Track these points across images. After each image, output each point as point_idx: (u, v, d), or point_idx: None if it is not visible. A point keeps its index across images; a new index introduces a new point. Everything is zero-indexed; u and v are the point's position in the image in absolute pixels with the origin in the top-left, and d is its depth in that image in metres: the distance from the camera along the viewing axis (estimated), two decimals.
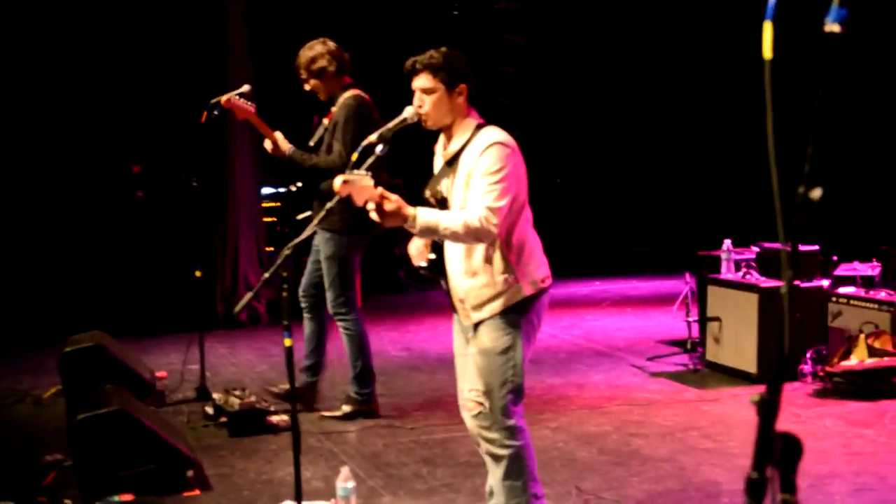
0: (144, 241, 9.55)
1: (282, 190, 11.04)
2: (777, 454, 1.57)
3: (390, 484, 4.91)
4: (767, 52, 1.51)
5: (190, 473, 4.87)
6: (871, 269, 7.07)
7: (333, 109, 5.90)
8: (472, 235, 3.60)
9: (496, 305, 3.74)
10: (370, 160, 3.89)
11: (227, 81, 8.29)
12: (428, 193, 3.92)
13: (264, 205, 10.47)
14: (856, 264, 7.00)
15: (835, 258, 7.05)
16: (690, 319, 7.24)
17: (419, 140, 4.17)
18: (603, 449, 5.34)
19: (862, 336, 6.17)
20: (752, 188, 11.16)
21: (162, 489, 4.75)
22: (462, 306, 3.84)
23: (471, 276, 3.77)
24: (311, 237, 5.82)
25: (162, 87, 9.35)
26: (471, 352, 3.83)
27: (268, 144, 6.00)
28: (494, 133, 3.73)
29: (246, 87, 6.36)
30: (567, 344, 8.18)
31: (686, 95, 12.13)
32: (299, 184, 6.18)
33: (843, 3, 1.46)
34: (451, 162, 3.81)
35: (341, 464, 5.15)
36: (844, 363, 6.13)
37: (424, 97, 3.80)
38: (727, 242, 7.03)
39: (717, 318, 6.84)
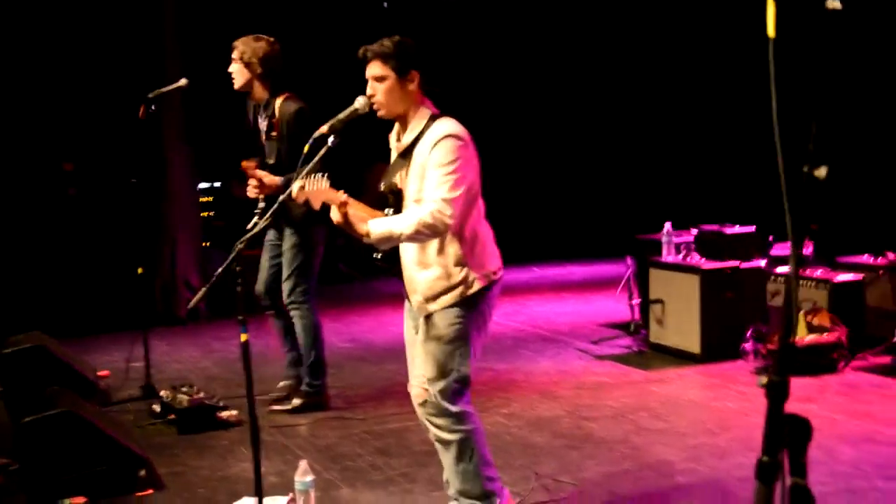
0: (78, 240, 9.31)
1: (216, 185, 10.91)
2: (786, 437, 1.55)
3: (346, 476, 4.85)
4: (771, 29, 1.49)
5: (142, 473, 4.76)
6: (806, 247, 7.18)
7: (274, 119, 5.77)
8: (427, 231, 3.58)
9: (448, 298, 3.73)
10: (321, 151, 3.83)
11: (164, 75, 8.11)
12: (383, 186, 3.87)
13: (200, 199, 10.32)
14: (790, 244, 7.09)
15: (770, 238, 7.14)
16: (633, 302, 7.29)
17: (377, 130, 4.11)
18: (557, 433, 5.35)
19: (801, 313, 6.27)
20: (691, 170, 11.39)
21: (114, 490, 4.63)
22: (415, 297, 3.82)
23: (424, 268, 3.76)
24: (263, 233, 5.73)
25: (93, 81, 9.12)
26: (419, 339, 3.82)
27: (251, 191, 5.69)
28: (447, 125, 3.70)
29: (183, 81, 6.25)
30: (512, 330, 8.18)
31: (628, 75, 12.15)
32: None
33: None
34: (406, 153, 3.78)
35: (296, 458, 5.08)
36: None
37: (376, 85, 3.76)
38: (667, 225, 7.09)
39: (659, 301, 6.90)
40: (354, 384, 6.61)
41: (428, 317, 3.78)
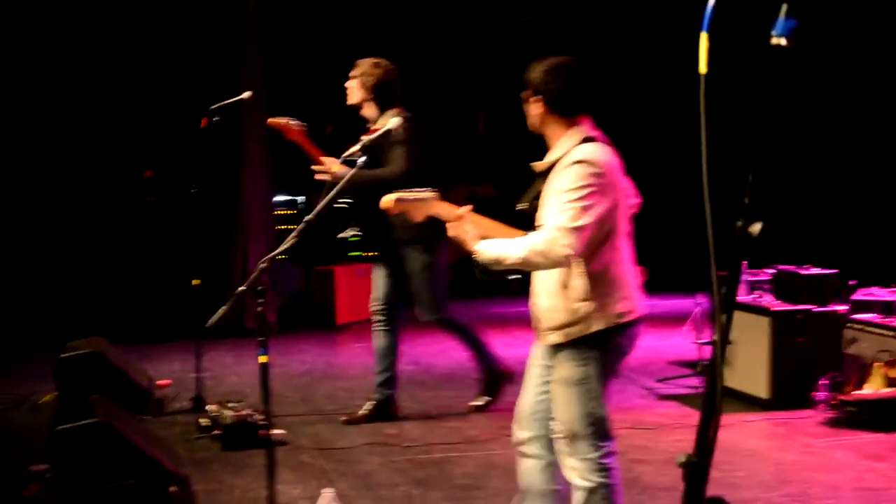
0: (156, 246, 9.45)
1: (298, 199, 10.97)
2: None
3: None
4: (703, 66, 1.33)
5: (173, 489, 4.71)
6: (891, 294, 6.81)
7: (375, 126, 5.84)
8: (539, 260, 3.36)
9: (566, 333, 3.51)
10: (351, 171, 3.78)
11: (240, 86, 8.16)
12: (523, 205, 3.68)
13: (277, 212, 10.38)
14: (874, 290, 6.73)
15: (853, 283, 6.78)
16: (702, 341, 7.01)
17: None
18: None
19: (877, 365, 5.92)
20: (772, 208, 10.98)
21: None
22: (538, 324, 3.64)
23: (547, 297, 3.57)
24: (391, 249, 5.98)
25: (175, 91, 9.26)
26: (553, 378, 3.61)
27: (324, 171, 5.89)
28: (586, 150, 3.44)
29: (247, 94, 6.26)
30: None
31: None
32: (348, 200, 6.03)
33: (791, 14, 1.28)
34: (546, 173, 3.57)
35: (332, 482, 5.00)
36: (858, 392, 5.89)
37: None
38: (742, 263, 6.79)
39: (728, 342, 6.61)
40: (408, 409, 6.47)
41: (556, 353, 3.58)
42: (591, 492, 3.54)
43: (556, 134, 3.56)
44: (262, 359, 3.70)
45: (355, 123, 6.12)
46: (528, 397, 3.76)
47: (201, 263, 6.63)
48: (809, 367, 6.22)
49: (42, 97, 9.19)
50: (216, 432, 5.72)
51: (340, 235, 6.08)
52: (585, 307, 3.47)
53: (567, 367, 3.53)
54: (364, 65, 5.99)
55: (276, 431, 5.69)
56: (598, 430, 3.55)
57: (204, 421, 5.91)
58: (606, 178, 3.41)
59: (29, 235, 9.21)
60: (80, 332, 6.86)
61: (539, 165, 3.59)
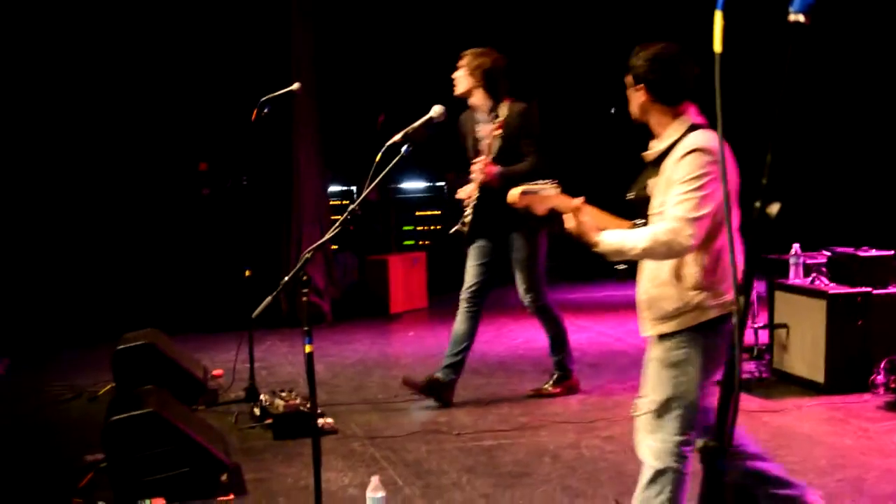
0: (211, 238, 9.55)
1: (353, 188, 10.99)
2: None
3: (427, 493, 4.73)
4: (718, 45, 1.29)
5: (224, 478, 4.78)
6: None
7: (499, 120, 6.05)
8: (662, 250, 3.35)
9: (678, 322, 3.46)
10: (395, 160, 3.76)
11: (291, 78, 8.21)
12: (632, 194, 3.66)
13: (332, 202, 10.42)
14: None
15: None
16: (757, 326, 6.91)
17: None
18: None
19: None
20: (824, 191, 10.79)
21: (195, 493, 4.65)
22: (645, 314, 3.58)
23: (658, 287, 3.51)
24: (496, 236, 6.12)
25: (227, 83, 9.33)
26: (649, 357, 3.61)
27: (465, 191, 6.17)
28: (699, 137, 3.42)
29: (296, 86, 6.30)
30: (632, 348, 7.90)
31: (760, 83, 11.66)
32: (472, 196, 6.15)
33: None
34: (657, 162, 3.53)
35: (381, 470, 5.02)
36: None
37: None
38: (796, 246, 6.67)
39: (784, 325, 6.50)
40: (460, 396, 6.45)
41: (658, 337, 3.55)
42: (661, 473, 3.50)
43: (662, 122, 3.53)
44: (308, 348, 3.70)
45: (406, 112, 6.14)
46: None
47: (255, 254, 6.68)
48: (867, 351, 6.10)
49: (100, 90, 9.32)
50: (268, 421, 5.76)
51: (452, 230, 6.18)
52: (700, 296, 3.43)
53: (668, 348, 3.49)
54: (471, 53, 6.07)
55: (324, 420, 5.77)
56: (686, 417, 3.48)
57: (256, 410, 5.96)
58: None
59: (88, 229, 9.36)
60: (137, 323, 6.96)
61: (649, 155, 3.57)
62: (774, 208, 1.34)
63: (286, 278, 3.76)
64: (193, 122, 9.59)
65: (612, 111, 10.13)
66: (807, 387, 6.28)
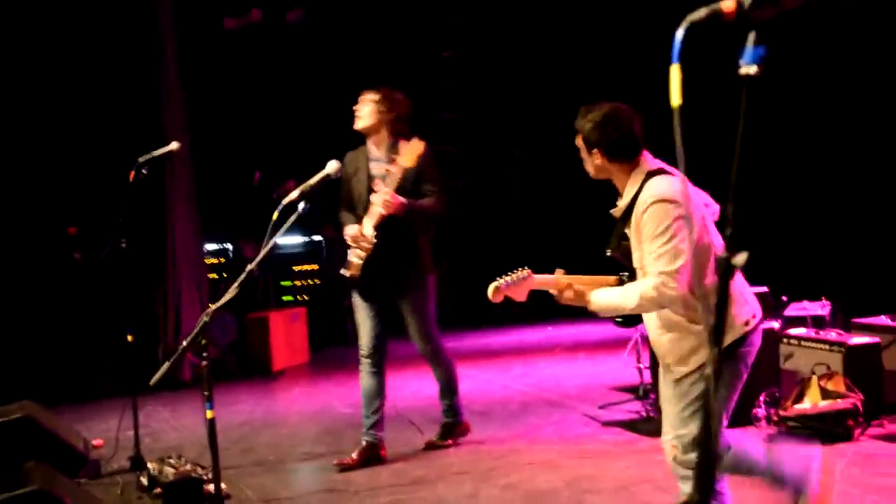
0: (83, 305, 9.23)
1: (227, 246, 10.81)
2: None
3: None
4: (675, 98, 1.32)
5: None
6: (822, 308, 6.93)
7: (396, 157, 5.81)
8: (651, 305, 3.50)
9: (695, 360, 3.56)
10: (292, 218, 3.71)
11: (164, 137, 8.05)
12: (610, 250, 3.78)
13: (208, 261, 10.23)
14: (805, 304, 6.84)
15: (784, 298, 6.89)
16: (641, 366, 7.05)
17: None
18: None
19: (814, 378, 6.01)
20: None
21: None
22: (665, 361, 3.69)
23: (667, 331, 3.63)
24: (387, 283, 5.90)
25: (98, 146, 9.10)
26: (668, 395, 3.69)
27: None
28: (656, 186, 3.52)
29: (174, 145, 6.17)
30: (518, 394, 7.95)
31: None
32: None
33: (760, 41, 1.27)
34: (624, 217, 3.65)
35: None
36: (798, 406, 5.96)
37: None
38: None
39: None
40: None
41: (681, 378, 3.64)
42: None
43: (622, 178, 3.66)
44: (209, 413, 3.60)
45: (283, 170, 6.09)
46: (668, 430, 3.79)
47: (133, 318, 6.46)
48: (748, 385, 6.24)
49: None
50: (158, 491, 5.55)
51: (340, 272, 5.94)
52: (706, 330, 3.51)
53: (689, 384, 3.59)
54: (384, 91, 5.93)
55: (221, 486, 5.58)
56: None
57: (144, 480, 5.74)
58: (684, 208, 3.48)
59: None
60: (8, 395, 6.62)
61: (616, 212, 3.68)
62: (741, 258, 1.37)
63: (185, 343, 3.65)
64: (60, 184, 9.29)
65: (517, 154, 10.20)
66: None
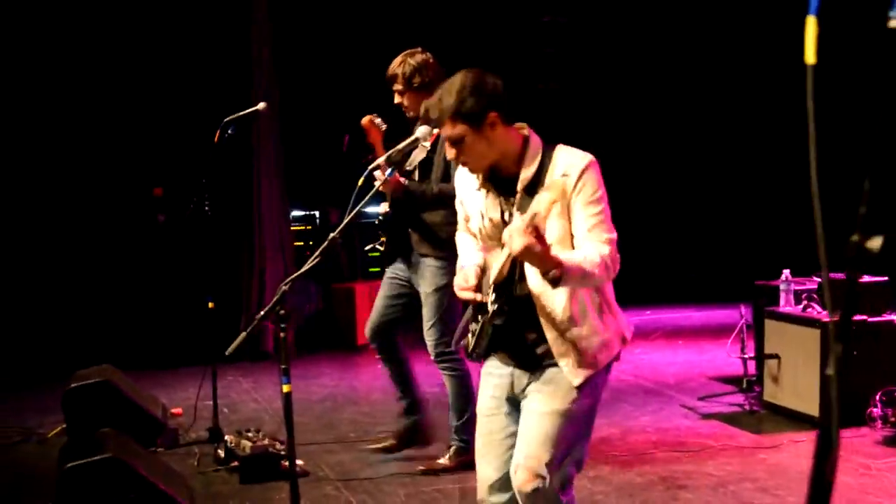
0: (167, 268, 9.34)
1: (314, 213, 10.83)
2: None
3: None
4: (810, 55, 1.19)
5: None
6: None
7: (436, 132, 5.23)
8: (607, 274, 3.17)
9: (593, 363, 3.25)
10: (377, 184, 3.63)
11: (253, 98, 8.07)
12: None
13: (294, 228, 10.25)
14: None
15: None
16: (746, 356, 6.84)
17: None
18: (647, 503, 4.97)
19: None
20: (822, 210, 10.76)
21: None
22: (565, 361, 3.24)
23: (576, 324, 3.24)
24: (406, 265, 5.52)
25: (186, 106, 9.17)
26: (535, 411, 3.27)
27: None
28: (575, 151, 3.26)
29: (262, 105, 6.14)
30: (613, 380, 7.74)
31: (749, 115, 11.70)
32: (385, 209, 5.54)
33: None
34: (531, 189, 3.19)
35: None
36: None
37: (455, 147, 3.27)
38: (786, 272, 6.62)
39: (775, 356, 6.43)
40: (439, 436, 6.30)
41: (556, 386, 3.26)
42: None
43: (513, 148, 3.25)
44: (286, 388, 3.56)
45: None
46: (498, 452, 3.42)
47: (215, 285, 6.47)
48: (864, 382, 6.02)
49: (46, 111, 9.10)
50: (234, 464, 5.58)
51: (367, 248, 5.64)
52: (611, 327, 3.31)
53: (572, 399, 3.24)
54: (412, 58, 5.34)
55: (297, 463, 5.58)
56: (572, 476, 3.35)
57: (221, 452, 5.77)
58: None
59: (33, 258, 9.11)
60: (89, 360, 6.74)
61: (524, 181, 3.25)
62: (877, 242, 1.23)
63: (262, 312, 3.61)
64: (147, 144, 9.40)
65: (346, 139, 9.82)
66: (801, 420, 6.19)
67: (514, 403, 3.38)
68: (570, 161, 3.21)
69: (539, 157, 3.25)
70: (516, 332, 3.30)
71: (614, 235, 3.18)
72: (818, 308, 6.35)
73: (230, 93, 8.73)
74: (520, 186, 3.24)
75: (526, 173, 3.24)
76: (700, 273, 11.95)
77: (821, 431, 1.29)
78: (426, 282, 5.43)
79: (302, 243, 10.59)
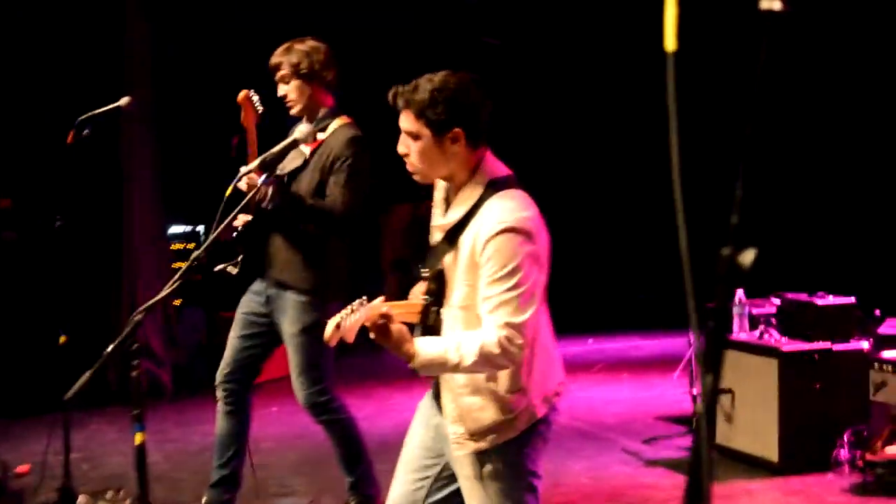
0: (16, 295, 9.13)
1: (199, 228, 10.72)
2: None
3: None
4: (670, 41, 1.17)
5: None
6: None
7: (321, 136, 5.14)
8: (491, 367, 3.21)
9: (501, 435, 3.32)
10: (252, 193, 3.59)
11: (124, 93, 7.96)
12: (426, 271, 3.45)
13: (174, 247, 10.15)
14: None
15: (877, 312, 6.70)
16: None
17: None
18: None
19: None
20: (773, 227, 11.02)
21: None
22: (455, 428, 3.38)
23: (470, 393, 3.35)
24: (239, 294, 5.45)
25: (41, 103, 9.02)
26: (465, 476, 3.40)
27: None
28: (505, 207, 3.22)
29: (124, 100, 6.03)
30: None
31: (696, 127, 11.91)
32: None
33: None
34: (452, 236, 3.30)
35: None
36: (890, 449, 5.79)
37: (408, 142, 3.30)
38: (739, 293, 6.67)
39: (728, 391, 6.49)
40: (328, 488, 6.24)
41: (474, 455, 3.38)
42: None
43: (461, 178, 3.32)
44: (139, 437, 3.47)
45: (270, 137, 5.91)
46: (405, 489, 3.54)
47: (75, 315, 6.35)
48: (829, 420, 6.12)
49: None
50: None
51: (217, 269, 5.37)
52: (524, 399, 3.33)
53: (496, 472, 3.35)
54: (301, 44, 5.30)
55: None
56: None
57: None
58: (537, 241, 3.27)
59: None
60: None
61: (442, 228, 3.35)
62: (749, 257, 1.22)
63: (110, 347, 3.51)
64: None
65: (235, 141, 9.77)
66: (757, 465, 6.31)
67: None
68: (486, 221, 3.22)
69: (474, 201, 3.27)
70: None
71: (521, 319, 3.16)
72: (776, 335, 6.43)
73: (98, 90, 8.59)
74: (440, 232, 3.33)
75: (452, 215, 3.30)
76: (650, 295, 12.06)
77: (689, 487, 1.27)
78: (289, 320, 5.29)
79: (184, 264, 10.46)
